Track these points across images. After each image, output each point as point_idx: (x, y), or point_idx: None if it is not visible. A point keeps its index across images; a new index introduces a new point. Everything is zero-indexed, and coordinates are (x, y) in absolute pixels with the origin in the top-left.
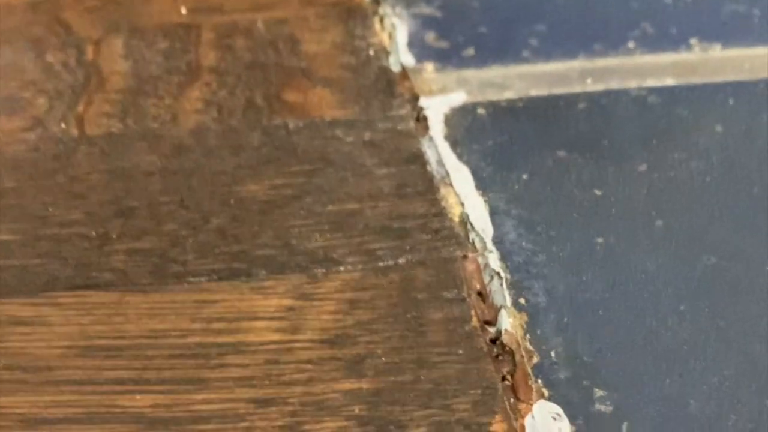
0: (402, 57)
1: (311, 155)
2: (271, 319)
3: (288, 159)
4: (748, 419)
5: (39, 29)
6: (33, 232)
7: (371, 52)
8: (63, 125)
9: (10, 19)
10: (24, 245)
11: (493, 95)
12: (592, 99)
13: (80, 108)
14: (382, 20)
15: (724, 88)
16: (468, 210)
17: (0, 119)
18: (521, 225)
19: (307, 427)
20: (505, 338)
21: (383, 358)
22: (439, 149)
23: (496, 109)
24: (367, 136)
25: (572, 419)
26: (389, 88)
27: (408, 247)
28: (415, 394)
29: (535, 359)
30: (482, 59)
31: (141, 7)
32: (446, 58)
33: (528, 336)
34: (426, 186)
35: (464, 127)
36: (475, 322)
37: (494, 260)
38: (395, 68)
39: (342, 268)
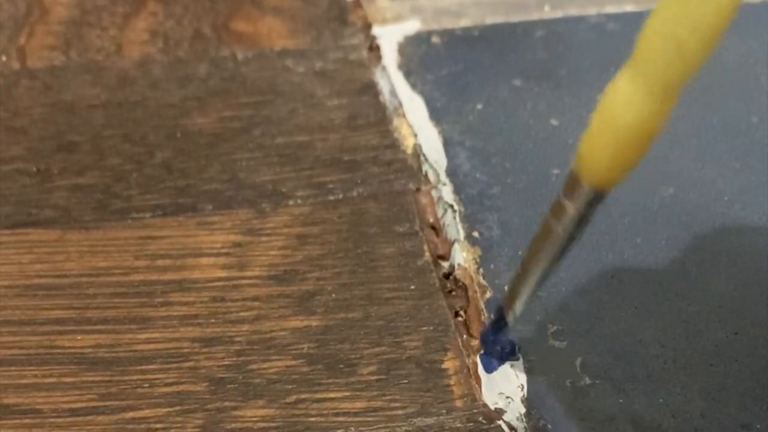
0: None
1: (260, 86)
2: (218, 255)
3: (236, 91)
4: (708, 353)
5: None
6: None
7: None
8: (4, 58)
9: None
10: None
11: (448, 23)
12: (550, 26)
13: (22, 40)
14: None
15: None
16: (421, 141)
17: None
18: (475, 156)
19: (254, 366)
20: (458, 273)
21: (333, 295)
22: (392, 79)
23: (450, 37)
24: (318, 66)
25: (525, 355)
26: (341, 16)
27: (359, 180)
28: (365, 331)
29: (489, 294)
30: None
31: None
32: None
33: (481, 270)
34: (378, 117)
35: (418, 57)
36: (427, 256)
37: (448, 193)
38: None
39: (291, 202)
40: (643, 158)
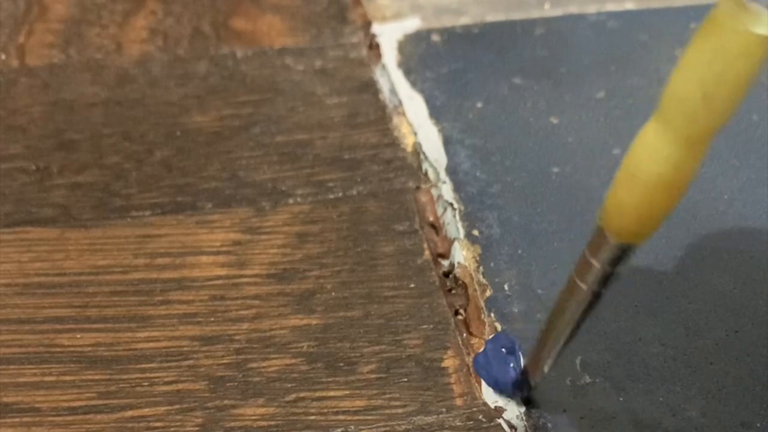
0: None
1: (260, 85)
2: (217, 253)
3: (236, 89)
4: (708, 351)
5: None
6: None
7: None
8: (3, 56)
9: None
10: None
11: (448, 21)
12: (550, 24)
13: (21, 38)
14: None
15: (685, 12)
16: (421, 140)
17: None
18: (475, 154)
19: (253, 364)
20: (458, 271)
21: (333, 293)
22: (391, 77)
23: (451, 35)
24: (317, 64)
25: (525, 353)
26: (341, 14)
27: (359, 179)
28: (365, 329)
29: (489, 292)
30: None
31: None
32: None
33: (481, 269)
34: (378, 115)
35: (418, 55)
36: (427, 255)
37: (447, 191)
38: None
39: (291, 201)
40: (672, 210)
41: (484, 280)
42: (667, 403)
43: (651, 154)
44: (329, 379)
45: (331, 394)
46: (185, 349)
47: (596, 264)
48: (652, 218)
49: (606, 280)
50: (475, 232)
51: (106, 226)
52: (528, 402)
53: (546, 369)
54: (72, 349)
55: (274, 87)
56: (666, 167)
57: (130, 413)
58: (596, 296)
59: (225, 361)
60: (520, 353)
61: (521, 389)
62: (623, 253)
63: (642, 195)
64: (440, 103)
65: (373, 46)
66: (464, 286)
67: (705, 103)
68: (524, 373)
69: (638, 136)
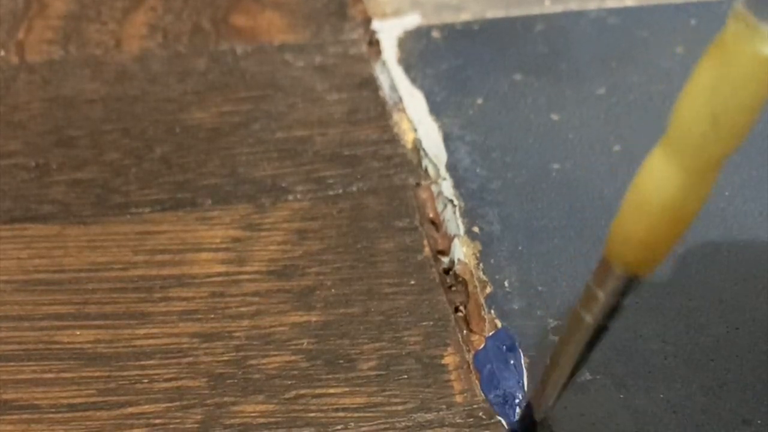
0: None
1: (260, 81)
2: (217, 250)
3: (236, 85)
4: (709, 348)
5: None
6: None
7: None
8: (2, 52)
9: None
10: None
11: (448, 17)
12: (550, 20)
13: (20, 34)
14: None
15: (686, 9)
16: (421, 136)
17: None
18: (476, 151)
19: (253, 361)
20: (458, 268)
21: (332, 290)
22: (392, 74)
23: (451, 31)
24: (317, 60)
25: (526, 350)
26: (341, 10)
27: (359, 175)
28: (365, 326)
29: (489, 289)
30: None
31: None
32: None
33: (481, 265)
34: (378, 112)
35: (418, 51)
36: (427, 251)
37: (448, 187)
38: None
39: (290, 197)
40: (679, 240)
41: (484, 277)
42: (667, 400)
43: (657, 182)
44: (329, 376)
45: (331, 391)
46: (185, 346)
47: (601, 295)
48: (658, 249)
49: (611, 311)
50: (476, 229)
51: (106, 223)
52: (512, 349)
53: (551, 403)
54: (71, 346)
55: (273, 83)
56: (673, 196)
57: (129, 410)
58: (601, 328)
59: (225, 358)
60: (520, 350)
61: (525, 427)
62: (629, 284)
63: (648, 225)
64: (440, 99)
65: (373, 43)
66: (464, 283)
67: (713, 129)
68: (528, 408)
69: (644, 163)
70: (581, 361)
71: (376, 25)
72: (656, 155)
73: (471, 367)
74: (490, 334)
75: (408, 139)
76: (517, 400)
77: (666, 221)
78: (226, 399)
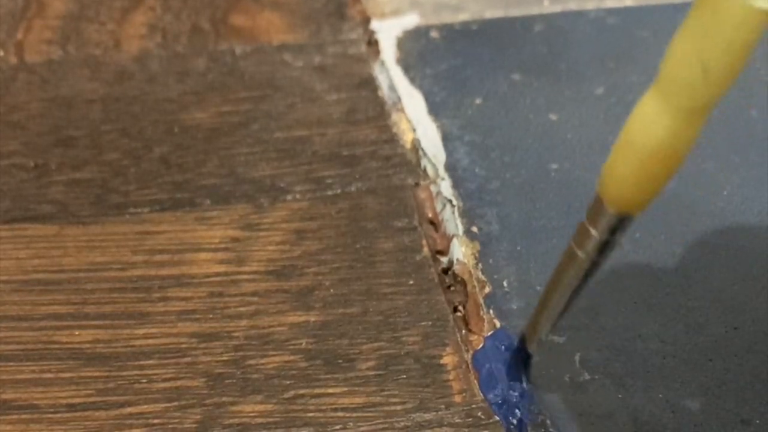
0: None
1: (259, 81)
2: (216, 250)
3: (235, 85)
4: (708, 348)
5: None
6: None
7: None
8: (1, 53)
9: None
10: None
11: (447, 17)
12: (549, 21)
13: (19, 35)
14: None
15: (685, 9)
16: (420, 136)
17: None
18: (474, 151)
19: (252, 361)
20: (457, 268)
21: (331, 290)
22: (390, 74)
23: (450, 31)
24: (316, 60)
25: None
26: (340, 11)
27: (358, 175)
28: (363, 326)
29: (488, 289)
30: None
31: None
32: None
33: (480, 265)
34: (377, 112)
35: (417, 51)
36: (426, 251)
37: (446, 187)
38: None
39: (289, 197)
40: (668, 182)
41: (483, 277)
42: (666, 399)
43: (648, 125)
44: (328, 376)
45: (330, 391)
46: (184, 346)
47: (594, 233)
48: (648, 189)
49: (604, 248)
50: (474, 229)
51: (105, 223)
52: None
53: (543, 337)
54: (70, 346)
55: (272, 83)
56: (663, 138)
57: (128, 410)
58: (594, 264)
59: (223, 358)
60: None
61: (517, 365)
62: (621, 222)
63: (639, 166)
64: (439, 99)
65: (372, 43)
66: (463, 283)
67: (703, 74)
68: (522, 341)
69: (636, 106)
70: (573, 296)
71: (375, 25)
72: (647, 99)
73: (470, 366)
74: (489, 334)
75: (407, 139)
76: (515, 400)
77: (655, 162)
78: (224, 399)
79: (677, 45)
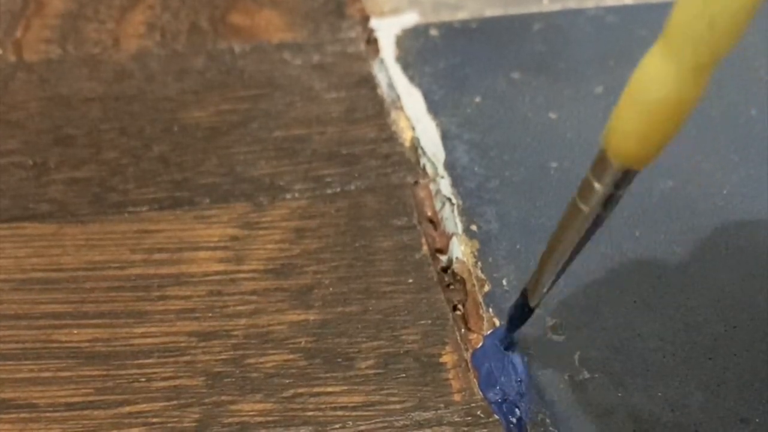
0: None
1: (258, 80)
2: (215, 249)
3: (233, 84)
4: (707, 346)
5: None
6: None
7: None
8: (0, 51)
9: None
10: None
11: (446, 16)
12: (549, 19)
13: (18, 33)
14: None
15: None
16: (419, 134)
17: None
18: (474, 149)
19: (251, 360)
20: (456, 267)
21: (330, 289)
22: (390, 72)
23: (449, 30)
24: (315, 59)
25: (524, 349)
26: (339, 9)
27: (357, 174)
28: (363, 325)
29: (487, 288)
30: None
31: None
32: None
33: (480, 264)
34: (376, 110)
35: (416, 49)
36: (425, 250)
37: (446, 186)
38: None
39: (288, 196)
40: (673, 136)
41: (482, 275)
42: (665, 398)
43: (654, 79)
44: (327, 375)
45: (329, 389)
46: (183, 344)
47: (598, 186)
48: (653, 143)
49: (607, 201)
50: (474, 227)
51: (104, 222)
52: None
53: (545, 290)
54: (69, 344)
55: (271, 82)
56: (669, 92)
57: (127, 409)
58: (598, 218)
59: (222, 357)
60: (518, 349)
61: (517, 318)
62: (625, 176)
63: (644, 120)
64: (438, 97)
65: (371, 41)
66: (462, 282)
67: (709, 30)
68: (523, 296)
69: (642, 61)
70: (576, 250)
71: (374, 23)
72: (653, 54)
73: (469, 365)
74: (489, 332)
75: (406, 137)
76: (514, 399)
77: (660, 116)
78: (223, 398)
79: (684, 0)
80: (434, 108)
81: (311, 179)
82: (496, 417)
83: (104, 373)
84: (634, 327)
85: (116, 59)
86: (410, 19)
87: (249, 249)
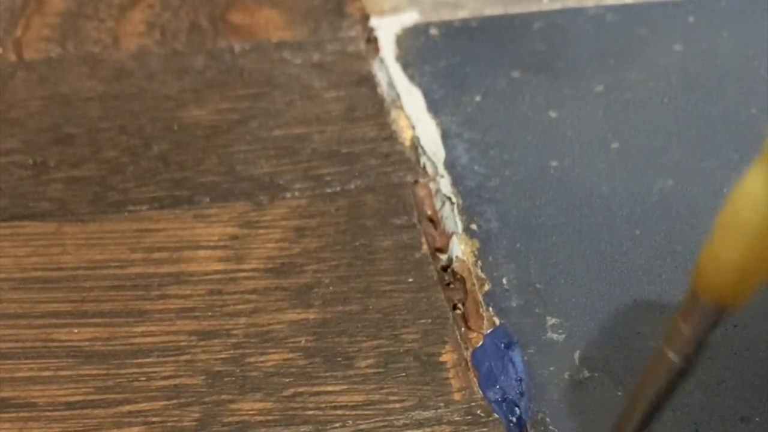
0: None
1: (257, 78)
2: (215, 248)
3: (233, 83)
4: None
5: None
6: None
7: None
8: (0, 50)
9: None
10: None
11: (446, 15)
12: (549, 18)
13: (18, 32)
14: None
15: (684, 6)
16: (419, 133)
17: None
18: (474, 148)
19: (251, 359)
20: (456, 266)
21: (330, 288)
22: (390, 71)
23: (449, 29)
24: (315, 58)
25: (524, 348)
26: (339, 8)
27: (357, 173)
28: (363, 324)
29: (487, 287)
30: None
31: None
32: None
33: (480, 263)
34: (376, 109)
35: (416, 48)
36: (425, 249)
37: (446, 185)
38: None
39: (288, 195)
40: None
41: (482, 275)
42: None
43: (754, 201)
44: (327, 374)
45: (329, 388)
46: (183, 343)
47: (688, 330)
48: (754, 276)
49: (699, 348)
50: (474, 226)
51: (103, 221)
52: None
53: None
54: (69, 343)
55: (271, 81)
56: None
57: (127, 408)
58: (688, 365)
59: (222, 356)
60: (518, 348)
61: None
62: (719, 316)
63: (745, 249)
64: (438, 96)
65: (371, 40)
66: (462, 281)
67: None
68: None
69: (738, 184)
70: (661, 403)
71: (374, 22)
72: (753, 174)
73: (469, 364)
74: (489, 331)
75: (406, 136)
76: (514, 398)
77: (764, 243)
78: (223, 397)
79: None
80: (434, 107)
81: (311, 178)
82: (496, 416)
83: (104, 372)
84: (634, 326)
85: (116, 58)
86: (410, 18)
87: (249, 248)
